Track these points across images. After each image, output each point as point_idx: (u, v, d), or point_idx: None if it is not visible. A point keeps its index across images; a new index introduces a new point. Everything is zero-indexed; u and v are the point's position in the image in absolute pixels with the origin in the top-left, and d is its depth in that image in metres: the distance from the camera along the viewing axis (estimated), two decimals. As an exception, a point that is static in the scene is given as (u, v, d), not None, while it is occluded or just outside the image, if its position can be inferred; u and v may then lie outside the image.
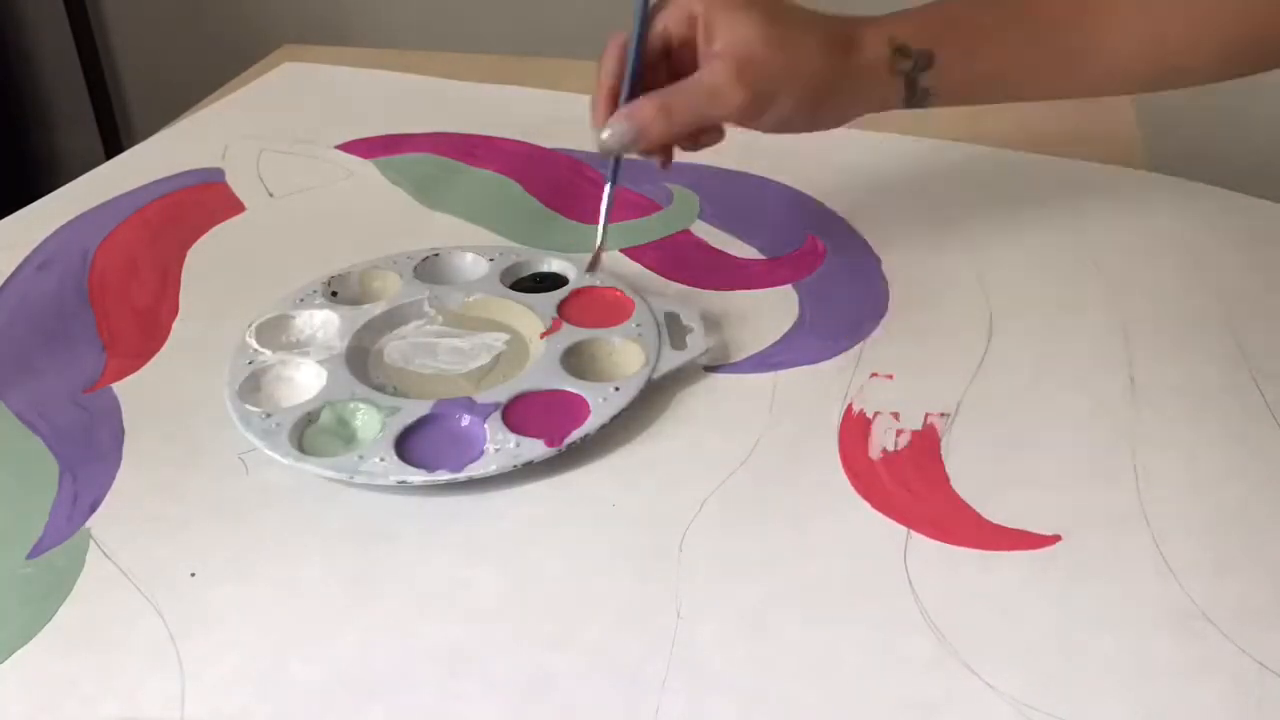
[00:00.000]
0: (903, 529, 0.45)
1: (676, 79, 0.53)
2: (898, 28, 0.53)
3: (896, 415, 0.51)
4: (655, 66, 0.54)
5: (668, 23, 0.53)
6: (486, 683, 0.39)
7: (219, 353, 0.54)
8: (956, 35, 0.54)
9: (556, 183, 0.72)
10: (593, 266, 0.58)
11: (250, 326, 0.56)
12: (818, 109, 0.53)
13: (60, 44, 1.70)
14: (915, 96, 0.54)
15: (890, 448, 0.49)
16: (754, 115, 0.52)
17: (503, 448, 0.48)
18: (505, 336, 0.56)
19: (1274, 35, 0.54)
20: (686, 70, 0.53)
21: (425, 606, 0.42)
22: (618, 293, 0.58)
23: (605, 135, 0.53)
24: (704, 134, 0.55)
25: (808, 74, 0.52)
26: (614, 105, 0.54)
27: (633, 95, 0.53)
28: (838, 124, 0.55)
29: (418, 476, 0.47)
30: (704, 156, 0.75)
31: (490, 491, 0.47)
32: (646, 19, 0.53)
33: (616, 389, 0.51)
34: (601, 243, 0.58)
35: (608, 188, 0.57)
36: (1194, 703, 0.38)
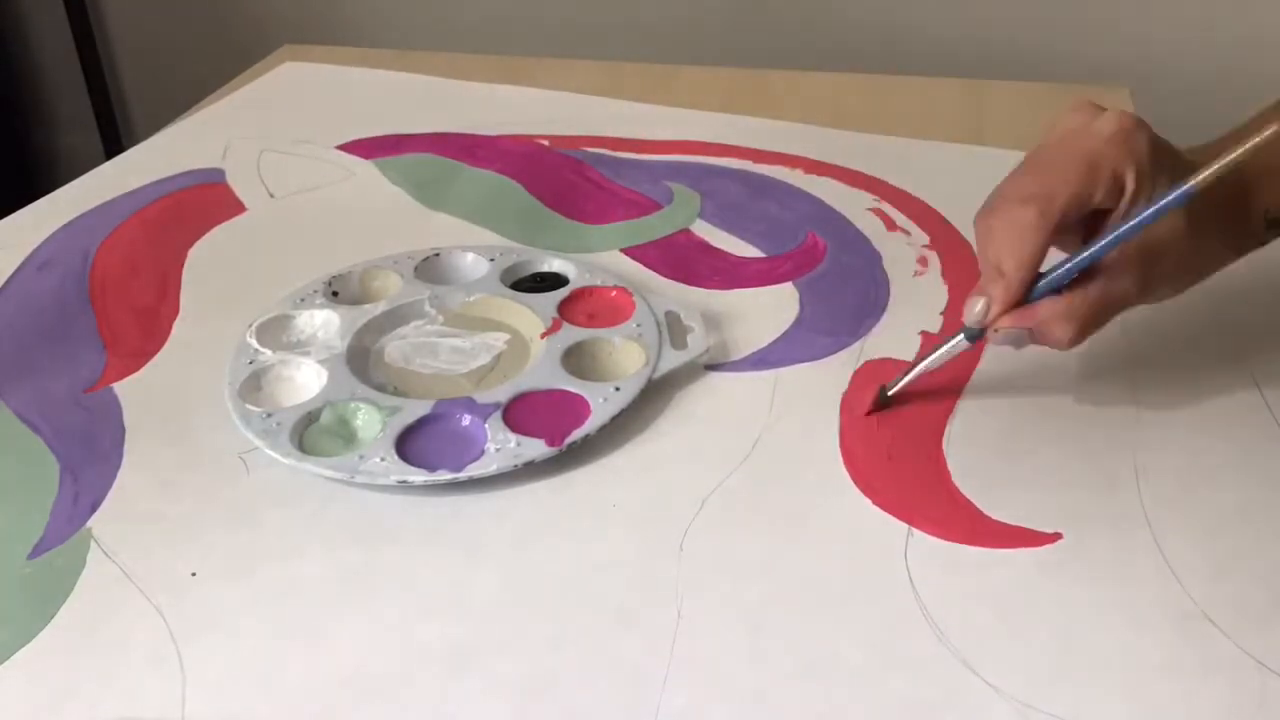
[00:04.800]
0: (904, 526, 0.45)
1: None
2: (1271, 195, 0.50)
3: (897, 412, 0.51)
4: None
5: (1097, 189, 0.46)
6: (486, 683, 0.39)
7: (219, 352, 0.54)
8: None
9: (557, 183, 0.72)
10: (877, 406, 0.52)
11: (251, 326, 0.56)
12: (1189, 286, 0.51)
13: (60, 44, 1.70)
14: (1259, 245, 0.52)
15: (891, 445, 0.49)
16: (1142, 302, 0.48)
17: (503, 447, 0.48)
18: (506, 336, 0.56)
19: None
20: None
21: (425, 606, 0.42)
22: (618, 292, 0.58)
23: (999, 332, 0.47)
24: None
25: (1199, 272, 0.50)
26: (1022, 291, 0.46)
27: (1059, 289, 0.46)
28: None
29: (418, 476, 0.47)
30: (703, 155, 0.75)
31: (491, 491, 0.47)
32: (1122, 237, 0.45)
33: (617, 389, 0.51)
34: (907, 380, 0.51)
35: (946, 350, 0.49)
36: (1194, 702, 0.38)
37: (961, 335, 0.48)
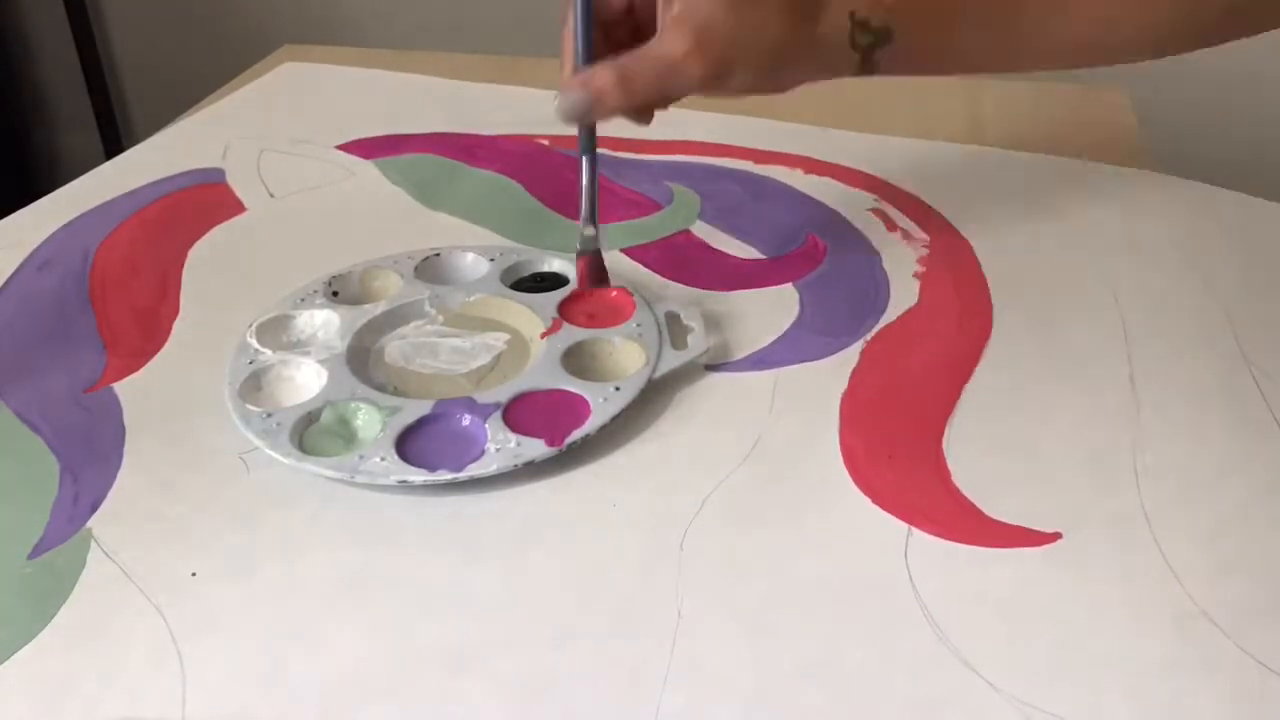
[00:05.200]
0: (904, 526, 0.45)
1: (637, 37, 0.51)
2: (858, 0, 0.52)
3: (897, 412, 0.51)
4: (616, 24, 0.53)
5: None
6: (486, 683, 0.39)
7: (219, 352, 0.54)
8: (914, 13, 0.53)
9: (557, 183, 0.72)
10: (591, 280, 0.56)
11: (251, 326, 0.56)
12: (775, 77, 0.53)
13: (60, 44, 1.70)
14: (868, 68, 0.53)
15: (891, 445, 0.49)
16: (712, 87, 0.51)
17: (503, 447, 0.48)
18: (506, 336, 0.56)
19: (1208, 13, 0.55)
20: (647, 26, 0.51)
21: (425, 606, 0.42)
22: (618, 292, 0.58)
23: (558, 103, 0.51)
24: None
25: (767, 44, 0.50)
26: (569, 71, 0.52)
27: (588, 57, 0.51)
28: (789, 88, 0.54)
29: (418, 476, 0.47)
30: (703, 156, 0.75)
31: (491, 491, 0.47)
32: None
33: (617, 389, 0.51)
34: (594, 236, 0.55)
35: (583, 166, 0.54)
36: (1194, 702, 0.38)
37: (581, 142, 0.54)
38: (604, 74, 0.50)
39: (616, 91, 0.50)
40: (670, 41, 0.49)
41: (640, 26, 0.52)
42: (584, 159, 0.54)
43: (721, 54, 0.50)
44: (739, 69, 0.50)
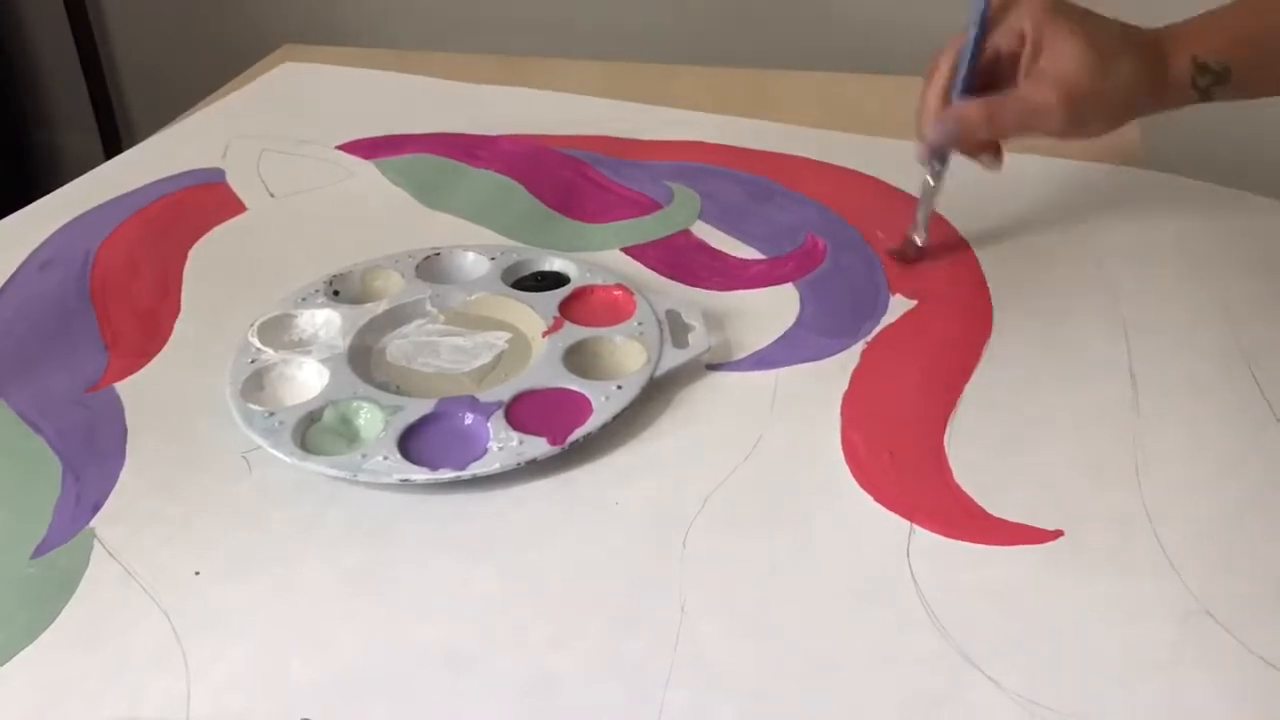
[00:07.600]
0: (906, 524, 0.45)
1: (991, 87, 0.58)
2: (1199, 43, 0.57)
3: (898, 410, 0.51)
4: (979, 72, 0.59)
5: (996, 37, 0.58)
6: (487, 682, 0.39)
7: (221, 352, 0.54)
8: (1250, 52, 0.58)
9: (557, 183, 0.72)
10: (907, 257, 0.62)
11: (252, 326, 0.56)
12: (1123, 123, 0.59)
13: (60, 44, 1.70)
14: (1204, 99, 0.59)
15: (893, 443, 0.49)
16: (1068, 133, 0.57)
17: (506, 446, 0.48)
18: (507, 335, 0.56)
19: None
20: (1003, 80, 0.58)
21: (427, 606, 0.42)
22: (619, 291, 0.58)
23: (930, 129, 0.59)
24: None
25: (1122, 97, 0.57)
26: (945, 104, 0.59)
27: (968, 90, 0.58)
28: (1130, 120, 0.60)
29: (421, 475, 0.47)
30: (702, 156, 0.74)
31: (493, 490, 0.47)
32: (985, 27, 0.58)
33: (619, 387, 0.51)
34: (922, 232, 0.62)
35: (928, 180, 0.61)
36: (1195, 698, 0.38)
37: (935, 165, 0.61)
38: (976, 109, 0.57)
39: (985, 125, 0.57)
40: (1038, 91, 0.56)
41: (994, 80, 0.58)
42: (929, 175, 0.62)
43: (1081, 107, 0.56)
44: (1094, 119, 0.57)
